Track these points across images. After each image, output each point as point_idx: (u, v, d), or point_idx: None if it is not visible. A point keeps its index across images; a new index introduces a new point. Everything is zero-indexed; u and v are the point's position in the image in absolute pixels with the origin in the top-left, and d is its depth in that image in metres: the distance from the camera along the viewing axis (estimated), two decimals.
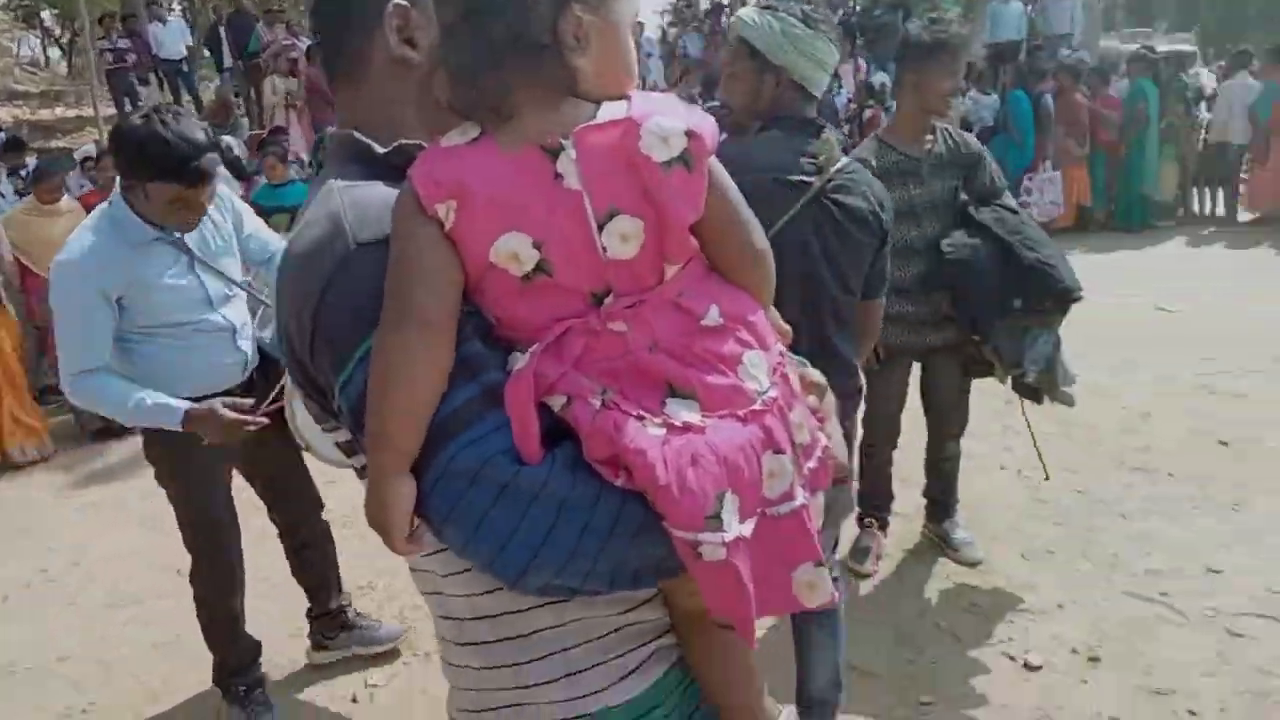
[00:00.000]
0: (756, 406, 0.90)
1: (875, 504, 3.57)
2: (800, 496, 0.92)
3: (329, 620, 3.09)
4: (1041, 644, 2.93)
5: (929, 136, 3.08)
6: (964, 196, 3.10)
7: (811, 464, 0.96)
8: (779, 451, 0.90)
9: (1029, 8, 12.31)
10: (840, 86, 9.92)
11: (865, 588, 3.36)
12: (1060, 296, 2.93)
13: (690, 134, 0.88)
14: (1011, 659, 2.87)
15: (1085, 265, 8.40)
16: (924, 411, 3.45)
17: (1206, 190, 10.03)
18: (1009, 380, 3.25)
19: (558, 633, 1.00)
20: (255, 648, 2.87)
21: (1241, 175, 9.84)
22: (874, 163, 3.01)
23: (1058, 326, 3.09)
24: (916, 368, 3.39)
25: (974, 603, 3.20)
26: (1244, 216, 9.83)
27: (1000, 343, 3.07)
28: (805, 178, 2.05)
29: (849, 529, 3.54)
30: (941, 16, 3.09)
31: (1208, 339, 5.94)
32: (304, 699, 2.98)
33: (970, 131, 9.64)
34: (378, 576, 3.60)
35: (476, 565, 0.91)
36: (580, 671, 1.00)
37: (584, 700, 1.01)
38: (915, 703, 2.69)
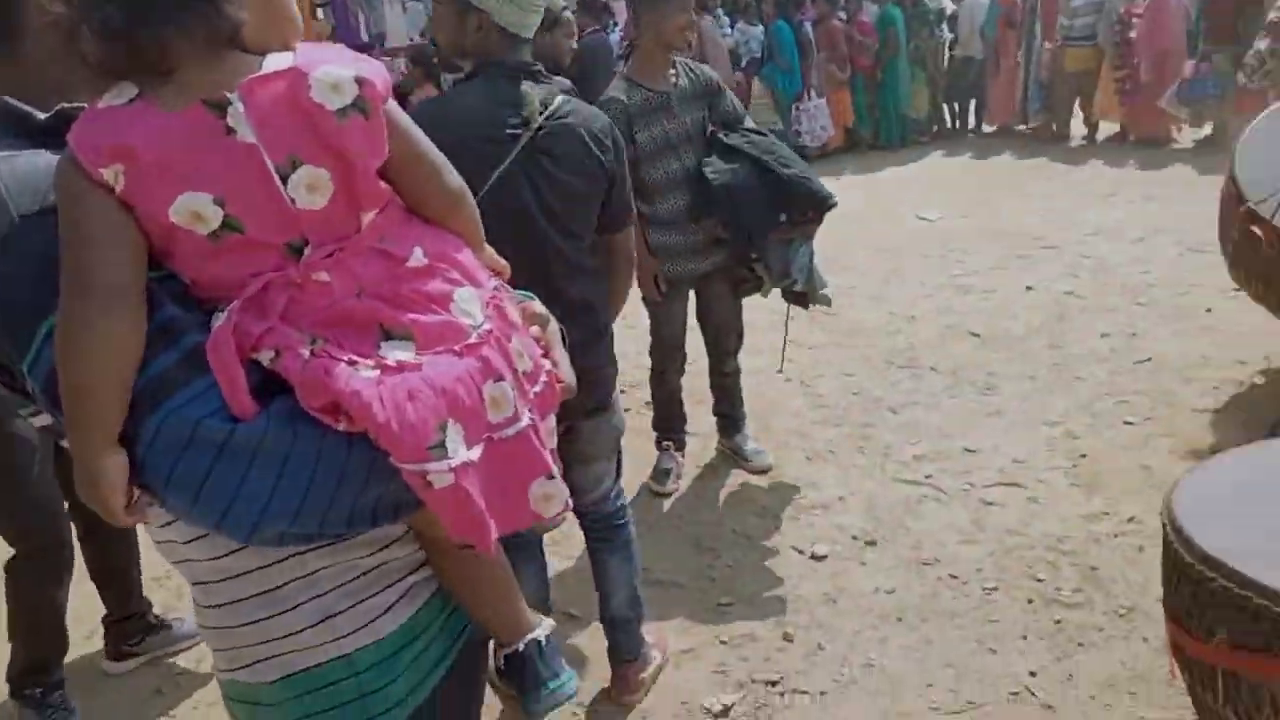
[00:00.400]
0: (472, 340, 0.94)
1: (670, 427, 3.70)
2: (526, 418, 0.98)
3: (130, 624, 2.86)
4: (826, 535, 3.16)
5: (671, 71, 3.16)
6: (711, 126, 3.22)
7: (537, 388, 1.02)
8: (499, 379, 0.95)
9: None
10: (615, 24, 9.91)
11: (667, 505, 3.49)
12: (819, 205, 3.12)
13: (361, 81, 0.90)
14: (800, 552, 3.08)
15: (855, 184, 9.08)
16: (702, 333, 3.59)
17: (957, 105, 10.84)
18: (778, 291, 3.44)
19: (308, 581, 1.01)
20: (66, 645, 2.65)
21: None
22: (624, 100, 3.07)
23: (813, 237, 3.28)
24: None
25: (765, 506, 3.40)
26: (988, 128, 10.73)
27: (768, 257, 3.23)
28: (512, 130, 1.92)
29: (647, 453, 3.66)
30: None
31: (960, 243, 6.50)
32: (105, 699, 2.76)
33: (741, 63, 9.94)
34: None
35: (207, 527, 0.90)
36: (334, 615, 1.02)
37: (339, 643, 1.03)
38: (715, 605, 2.84)
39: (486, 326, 0.96)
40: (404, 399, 0.86)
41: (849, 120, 10.29)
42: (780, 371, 4.04)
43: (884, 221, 7.34)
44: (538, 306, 1.14)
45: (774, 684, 2.47)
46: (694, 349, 3.61)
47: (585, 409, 2.12)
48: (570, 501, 1.02)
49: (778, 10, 9.67)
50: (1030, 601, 2.69)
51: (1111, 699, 2.30)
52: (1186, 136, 8.81)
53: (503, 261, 1.11)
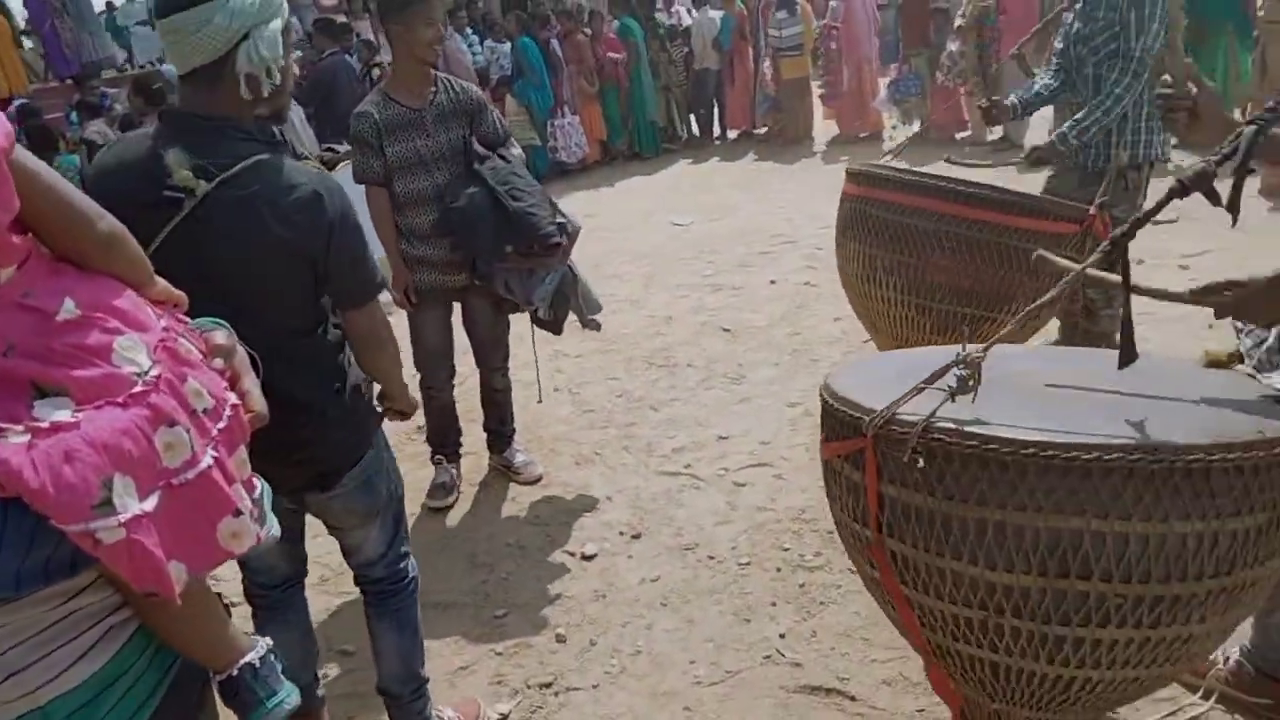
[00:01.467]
0: (138, 389, 0.93)
1: (443, 441, 3.71)
2: (207, 459, 0.98)
3: None
4: (595, 534, 3.28)
5: (431, 88, 3.18)
6: (476, 145, 3.25)
7: (221, 424, 1.03)
8: (172, 425, 0.94)
9: None
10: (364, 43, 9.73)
11: (443, 526, 3.49)
12: (540, 240, 3.17)
13: None
14: (571, 554, 3.18)
15: (614, 194, 9.39)
16: (471, 349, 3.62)
17: (701, 114, 11.45)
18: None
19: None
20: None
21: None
22: (377, 116, 3.11)
23: (559, 267, 3.36)
24: None
25: (538, 514, 3.48)
26: (732, 134, 11.41)
27: (511, 283, 3.30)
28: (172, 194, 1.64)
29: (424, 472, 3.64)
30: None
31: (710, 244, 6.89)
32: None
33: (493, 80, 9.99)
34: None
35: None
36: (20, 671, 0.99)
37: (31, 696, 1.00)
38: (490, 619, 2.89)
39: (155, 372, 0.95)
40: (60, 461, 0.85)
41: (603, 134, 10.62)
42: (540, 402, 4.14)
43: (642, 229, 7.65)
44: (220, 337, 1.13)
45: (548, 685, 2.55)
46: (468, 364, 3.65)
47: (303, 484, 1.95)
48: (262, 535, 1.04)
49: (520, 27, 9.85)
50: (779, 570, 2.93)
51: (848, 647, 2.56)
52: (901, 134, 9.79)
53: (178, 293, 1.08)
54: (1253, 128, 1.66)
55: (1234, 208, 1.66)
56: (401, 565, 2.22)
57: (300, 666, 2.20)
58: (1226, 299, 1.71)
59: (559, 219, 3.26)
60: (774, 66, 10.06)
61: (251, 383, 1.13)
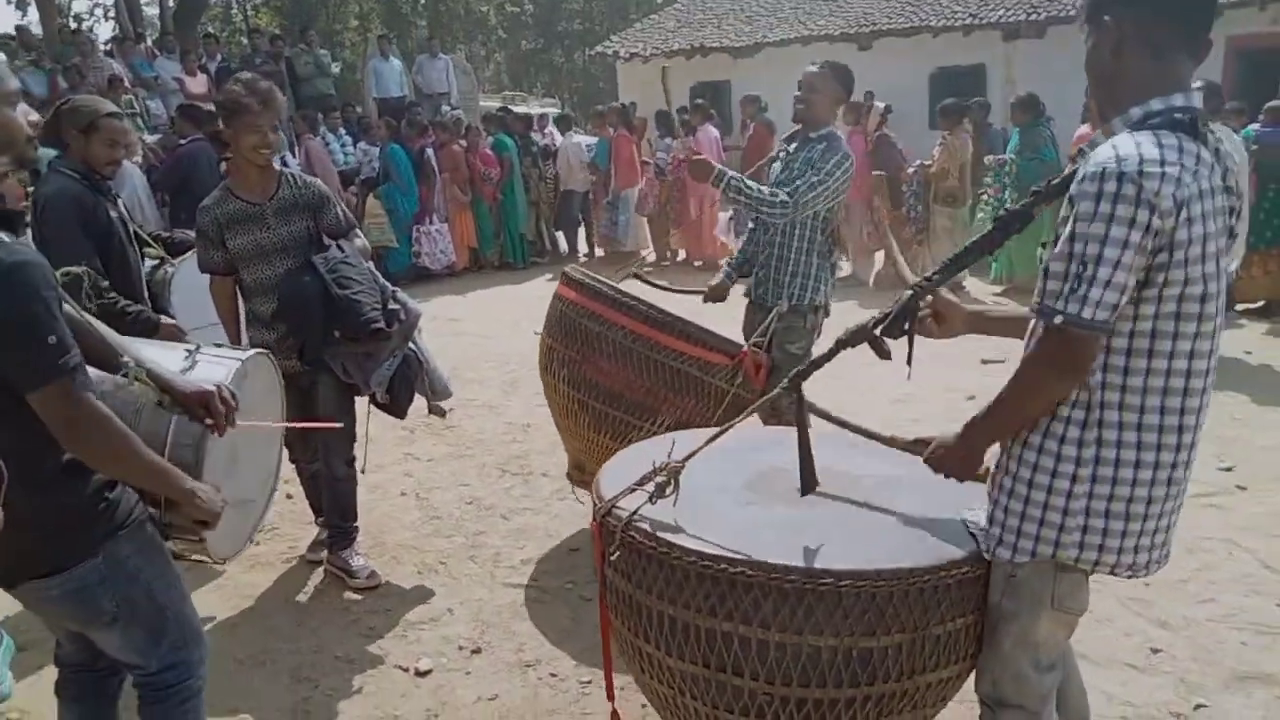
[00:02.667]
0: None
1: (319, 506, 3.77)
2: None
3: None
4: (432, 648, 3.10)
5: (274, 184, 3.31)
6: (324, 237, 3.38)
7: None
8: None
9: (411, 69, 13.20)
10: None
11: (265, 632, 3.22)
12: (363, 328, 3.21)
13: None
14: (404, 670, 2.99)
15: (479, 300, 9.37)
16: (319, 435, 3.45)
17: (564, 234, 11.71)
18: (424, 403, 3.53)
19: None
20: None
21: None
22: (217, 212, 3.28)
23: (399, 352, 3.40)
24: None
25: (371, 626, 3.27)
26: (599, 252, 11.68)
27: (349, 366, 3.32)
28: None
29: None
30: (243, 79, 3.24)
31: None
32: None
33: (361, 180, 9.97)
34: None
35: None
36: None
37: None
38: None
39: None
40: None
41: (473, 241, 10.68)
42: (362, 472, 3.92)
43: (505, 336, 7.62)
44: None
45: None
46: None
47: (9, 573, 1.80)
48: None
49: (391, 134, 9.96)
50: (621, 689, 2.82)
51: None
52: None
53: None
54: (908, 293, 1.93)
55: (908, 360, 1.91)
56: (163, 675, 1.98)
57: None
58: (928, 454, 1.88)
59: (391, 305, 3.34)
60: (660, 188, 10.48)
61: None
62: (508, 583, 3.53)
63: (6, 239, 1.61)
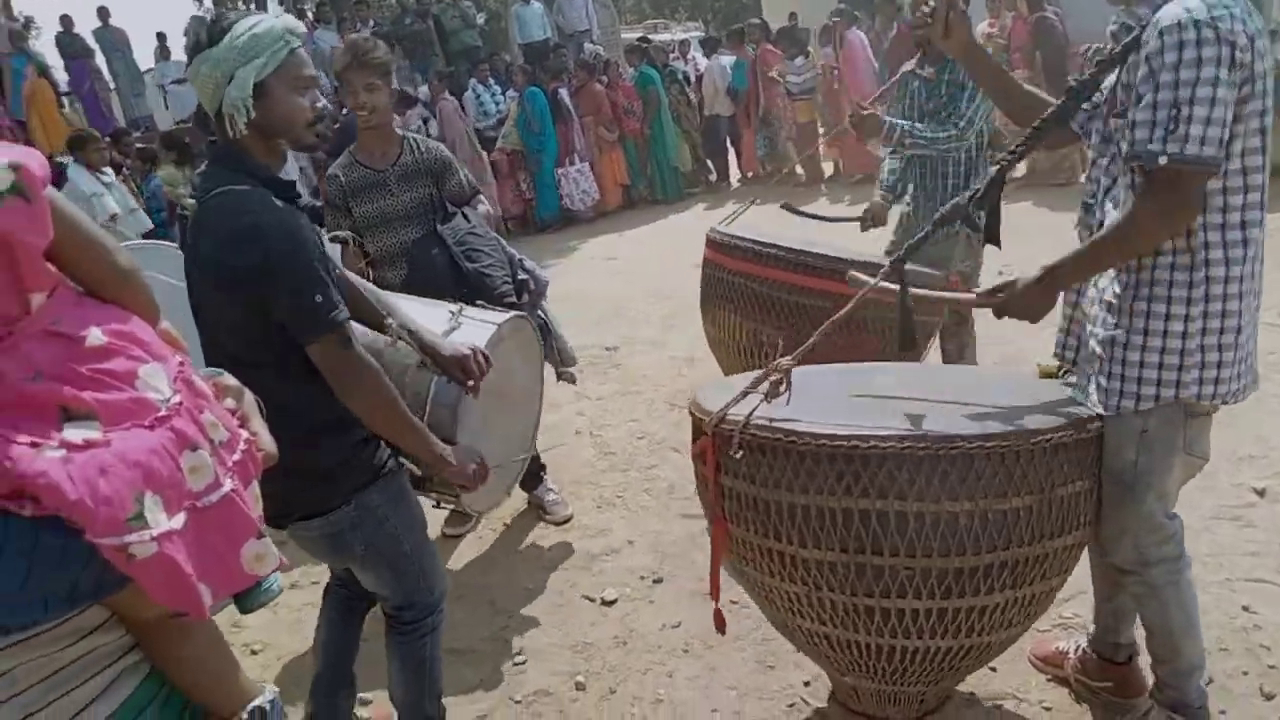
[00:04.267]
0: (162, 413, 0.96)
1: None
2: (228, 484, 1.01)
3: None
4: (615, 579, 3.23)
5: (396, 149, 3.24)
6: (448, 202, 3.30)
7: (236, 457, 1.06)
8: (195, 448, 0.97)
9: (552, 9, 13.24)
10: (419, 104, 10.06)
11: (463, 568, 3.46)
12: (495, 300, 3.14)
13: (16, 166, 0.91)
14: (591, 600, 3.13)
15: (635, 238, 9.44)
16: None
17: (714, 159, 11.54)
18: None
19: (4, 680, 0.97)
20: None
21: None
22: (343, 178, 3.20)
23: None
24: None
25: (558, 558, 3.44)
26: (750, 175, 11.47)
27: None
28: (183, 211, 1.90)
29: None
30: (349, 38, 3.27)
31: None
32: None
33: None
34: None
35: None
36: (36, 711, 0.99)
37: None
38: (510, 665, 2.83)
39: (176, 399, 0.98)
40: (95, 474, 0.87)
41: (624, 179, 10.72)
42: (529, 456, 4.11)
43: (663, 271, 7.65)
44: (229, 380, 1.16)
45: None
46: None
47: (279, 516, 1.88)
48: (285, 560, 1.06)
49: (527, 79, 10.05)
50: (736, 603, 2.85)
51: None
52: None
53: (180, 342, 1.12)
54: (995, 168, 1.96)
55: (992, 235, 2.05)
56: (408, 613, 2.21)
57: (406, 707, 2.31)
58: (999, 299, 1.92)
59: (520, 276, 3.31)
60: (785, 110, 10.15)
61: (260, 424, 1.17)
62: (684, 514, 3.60)
63: (280, 204, 1.80)
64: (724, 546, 2.08)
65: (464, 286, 3.14)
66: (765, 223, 4.64)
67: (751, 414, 1.86)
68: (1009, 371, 2.28)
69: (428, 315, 2.35)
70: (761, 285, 3.52)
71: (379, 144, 3.23)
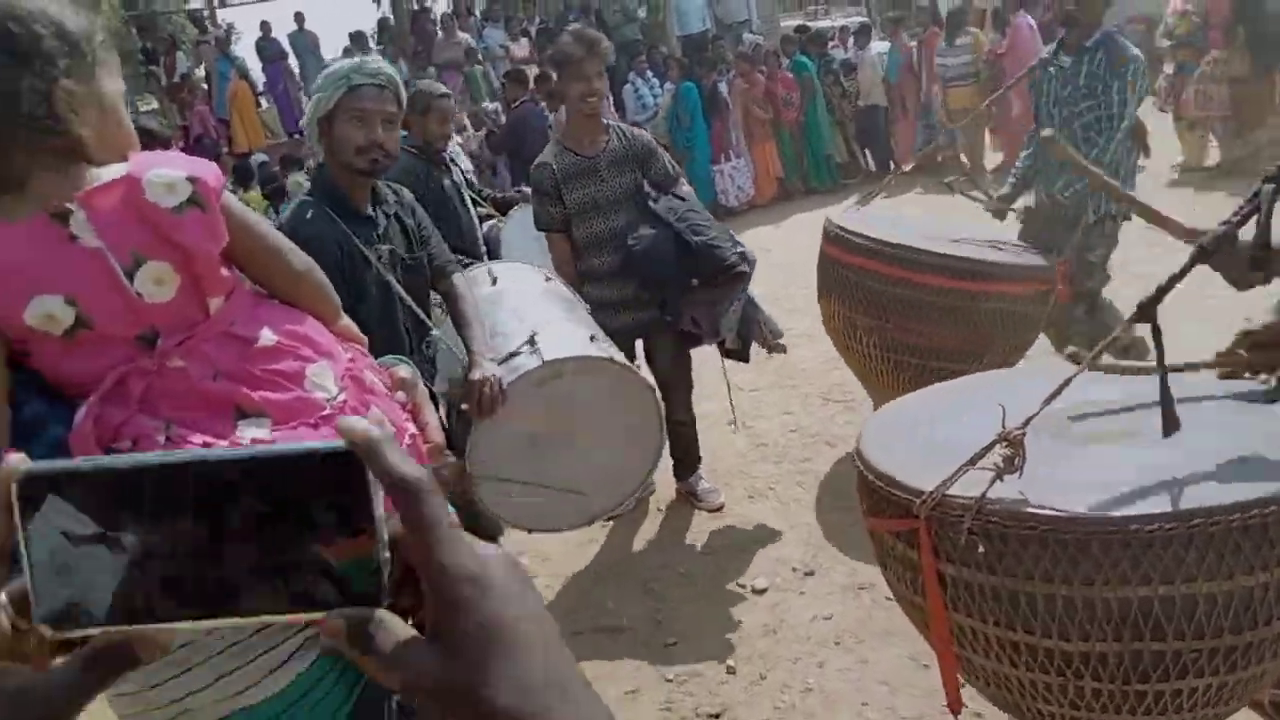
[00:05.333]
0: (326, 412, 1.03)
1: None
2: None
3: None
4: (767, 569, 3.25)
5: (604, 136, 3.33)
6: (647, 188, 3.38)
7: None
8: None
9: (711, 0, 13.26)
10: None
11: (619, 549, 3.57)
12: (725, 271, 3.24)
13: (194, 179, 0.99)
14: (742, 587, 3.17)
15: (789, 229, 9.35)
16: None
17: (869, 150, 11.24)
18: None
19: (200, 644, 1.08)
20: None
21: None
22: (555, 166, 3.29)
23: (740, 295, 3.41)
24: None
25: (709, 545, 3.50)
26: (906, 167, 11.11)
27: (697, 316, 3.38)
28: None
29: None
30: (572, 29, 3.37)
31: None
32: None
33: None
34: None
35: None
36: (229, 674, 1.09)
37: (238, 698, 1.10)
38: (661, 646, 2.91)
39: (341, 398, 1.04)
40: None
41: (779, 171, 10.63)
42: (733, 425, 4.20)
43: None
44: (404, 371, 1.23)
45: (717, 716, 2.55)
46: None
47: None
48: None
49: (682, 72, 10.05)
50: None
51: None
52: None
53: (360, 335, 1.19)
54: (1271, 185, 1.61)
55: (1263, 267, 1.66)
56: None
57: None
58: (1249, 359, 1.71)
59: (739, 248, 3.33)
60: (943, 97, 9.77)
61: (431, 415, 1.22)
62: (837, 507, 3.59)
63: (330, 217, 2.07)
64: (950, 644, 1.79)
65: (691, 261, 3.20)
66: (900, 213, 4.56)
67: (983, 496, 1.58)
68: (1208, 384, 1.95)
69: (511, 329, 2.54)
70: (851, 272, 3.56)
71: (590, 131, 3.32)
